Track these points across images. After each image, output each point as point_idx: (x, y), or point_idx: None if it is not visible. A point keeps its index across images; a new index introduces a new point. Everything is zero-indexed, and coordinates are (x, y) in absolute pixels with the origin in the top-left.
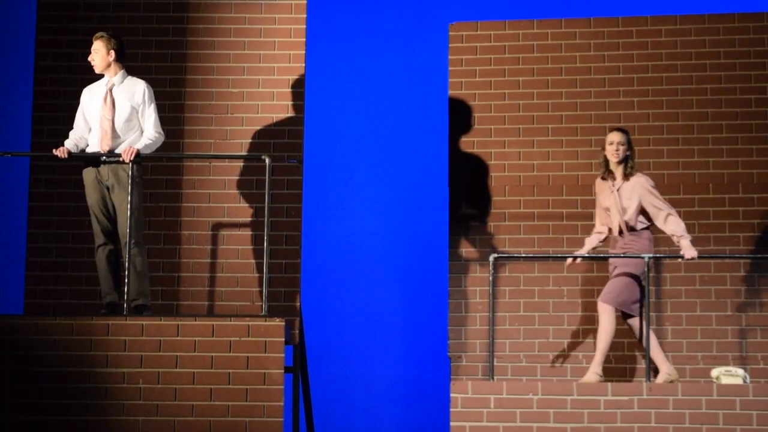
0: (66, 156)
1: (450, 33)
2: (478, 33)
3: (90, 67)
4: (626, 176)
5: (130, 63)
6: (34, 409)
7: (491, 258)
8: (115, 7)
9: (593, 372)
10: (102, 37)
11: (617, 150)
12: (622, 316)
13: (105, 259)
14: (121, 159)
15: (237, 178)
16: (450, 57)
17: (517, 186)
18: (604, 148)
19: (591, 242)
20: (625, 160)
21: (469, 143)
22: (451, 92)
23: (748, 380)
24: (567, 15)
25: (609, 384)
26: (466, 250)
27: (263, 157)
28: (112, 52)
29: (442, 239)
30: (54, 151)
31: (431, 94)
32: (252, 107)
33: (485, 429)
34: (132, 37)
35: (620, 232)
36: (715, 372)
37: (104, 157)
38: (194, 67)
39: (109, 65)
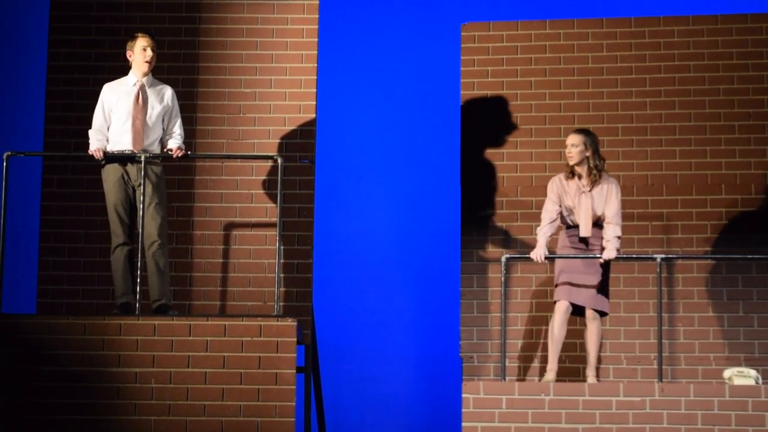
0: (102, 156)
1: (462, 33)
2: (490, 33)
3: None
4: (594, 180)
5: None
6: (46, 409)
7: (503, 258)
8: (127, 7)
9: (592, 375)
10: (153, 38)
11: (570, 152)
12: (577, 312)
13: (123, 259)
14: (173, 156)
15: (249, 178)
16: (462, 57)
17: (529, 186)
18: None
19: (547, 234)
20: (586, 163)
21: (481, 143)
22: (463, 92)
23: (760, 381)
24: (579, 15)
25: (621, 384)
26: (478, 250)
27: (275, 157)
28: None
29: (454, 239)
30: (90, 152)
31: (443, 94)
32: (264, 107)
33: (497, 429)
34: None
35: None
36: (727, 373)
37: (140, 156)
38: (206, 67)
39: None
